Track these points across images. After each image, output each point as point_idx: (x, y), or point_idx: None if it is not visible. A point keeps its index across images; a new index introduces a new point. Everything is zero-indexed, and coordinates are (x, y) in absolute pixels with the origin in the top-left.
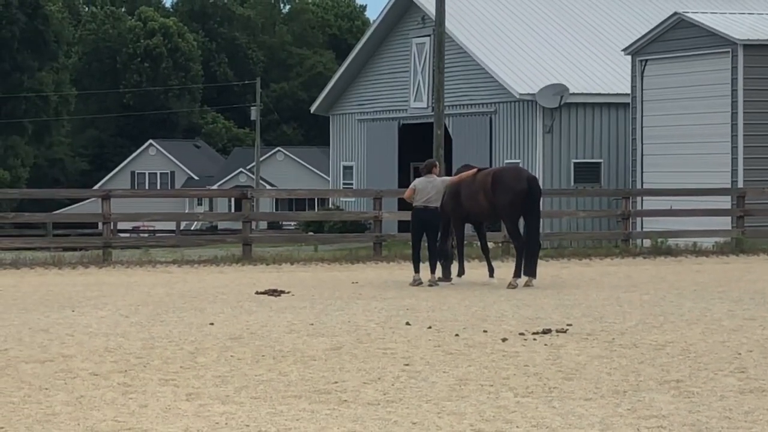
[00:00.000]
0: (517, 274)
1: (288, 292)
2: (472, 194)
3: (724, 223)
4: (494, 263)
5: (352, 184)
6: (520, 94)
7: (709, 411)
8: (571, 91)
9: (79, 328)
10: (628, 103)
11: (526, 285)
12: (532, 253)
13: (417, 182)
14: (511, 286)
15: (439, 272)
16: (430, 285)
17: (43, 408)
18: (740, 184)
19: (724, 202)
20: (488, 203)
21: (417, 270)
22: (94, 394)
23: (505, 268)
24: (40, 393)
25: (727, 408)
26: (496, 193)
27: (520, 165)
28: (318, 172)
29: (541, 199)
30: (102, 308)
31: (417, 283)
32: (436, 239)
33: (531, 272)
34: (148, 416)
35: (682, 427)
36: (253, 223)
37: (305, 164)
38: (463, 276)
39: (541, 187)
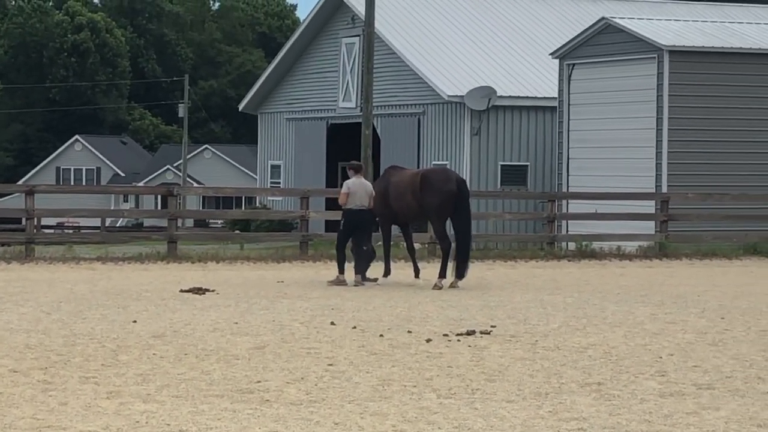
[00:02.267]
0: (442, 275)
1: (213, 291)
2: (400, 195)
3: (648, 227)
4: (420, 264)
5: (279, 182)
6: (449, 96)
7: (630, 414)
8: (498, 94)
9: (0, 324)
10: (555, 107)
11: (452, 286)
12: (464, 255)
13: (351, 184)
14: (437, 287)
15: (374, 273)
16: (355, 285)
17: None
18: (664, 189)
19: (649, 207)
20: (417, 203)
21: (342, 271)
22: (13, 391)
23: (432, 269)
24: None
25: (647, 411)
26: (425, 194)
27: (448, 166)
28: (246, 170)
29: (469, 200)
30: (23, 304)
31: (341, 283)
32: (364, 241)
33: (461, 274)
34: (67, 414)
35: (603, 429)
36: (179, 221)
37: (233, 162)
38: (389, 276)
39: (468, 188)
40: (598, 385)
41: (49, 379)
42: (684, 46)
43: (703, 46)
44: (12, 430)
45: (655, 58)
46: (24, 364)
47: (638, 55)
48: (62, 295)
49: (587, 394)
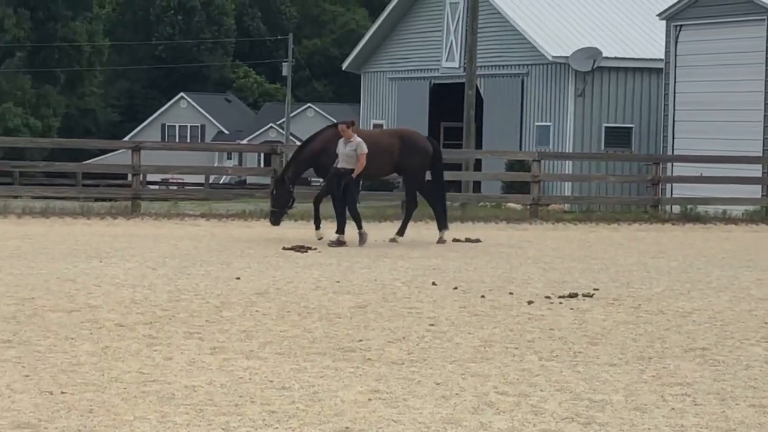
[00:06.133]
0: (401, 233)
1: (315, 249)
2: (376, 156)
3: (754, 191)
4: (384, 223)
5: None
6: (553, 57)
7: (735, 380)
8: (604, 55)
9: (106, 278)
10: (662, 69)
11: (440, 241)
12: (443, 209)
13: None
14: (394, 240)
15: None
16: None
17: (69, 357)
18: None
19: (755, 171)
20: (391, 165)
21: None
22: (119, 345)
23: (393, 228)
24: (66, 342)
25: (752, 377)
26: (407, 155)
27: (552, 128)
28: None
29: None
30: (129, 259)
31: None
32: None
33: (445, 224)
34: (172, 369)
35: (707, 395)
36: None
37: (336, 121)
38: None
39: (572, 150)
40: (703, 351)
41: (154, 334)
42: None
43: None
44: (118, 384)
45: (764, 20)
46: (130, 319)
47: (747, 16)
48: (167, 250)
49: (691, 359)
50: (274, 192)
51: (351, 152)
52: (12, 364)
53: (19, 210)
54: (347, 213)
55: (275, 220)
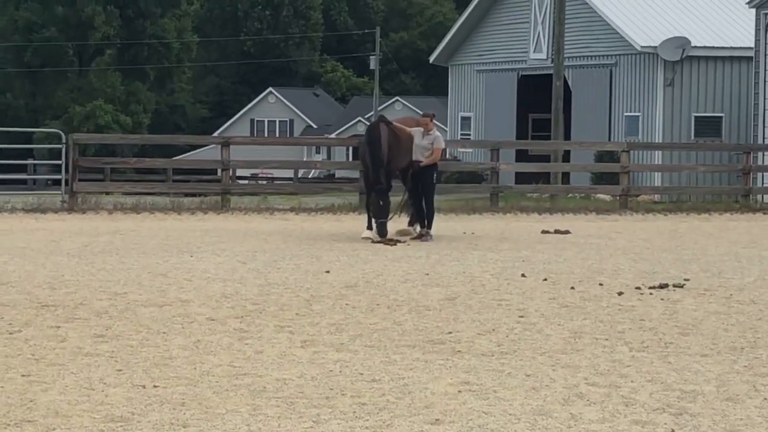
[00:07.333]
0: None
1: (404, 242)
2: (408, 150)
3: None
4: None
5: (469, 134)
6: (642, 47)
7: None
8: (693, 44)
9: (197, 273)
10: (752, 57)
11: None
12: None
13: None
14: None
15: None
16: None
17: (161, 351)
18: None
19: None
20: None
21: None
22: (210, 338)
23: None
24: (158, 336)
25: None
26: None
27: (640, 118)
28: (435, 122)
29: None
30: (220, 254)
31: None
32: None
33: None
34: (263, 362)
35: None
36: None
37: (420, 113)
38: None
39: (661, 140)
40: None
41: (245, 328)
42: None
43: None
44: (210, 377)
45: None
46: (221, 313)
47: None
48: (257, 245)
49: None
50: (381, 203)
51: (428, 144)
52: (105, 358)
53: (111, 206)
54: (425, 207)
55: (385, 231)
